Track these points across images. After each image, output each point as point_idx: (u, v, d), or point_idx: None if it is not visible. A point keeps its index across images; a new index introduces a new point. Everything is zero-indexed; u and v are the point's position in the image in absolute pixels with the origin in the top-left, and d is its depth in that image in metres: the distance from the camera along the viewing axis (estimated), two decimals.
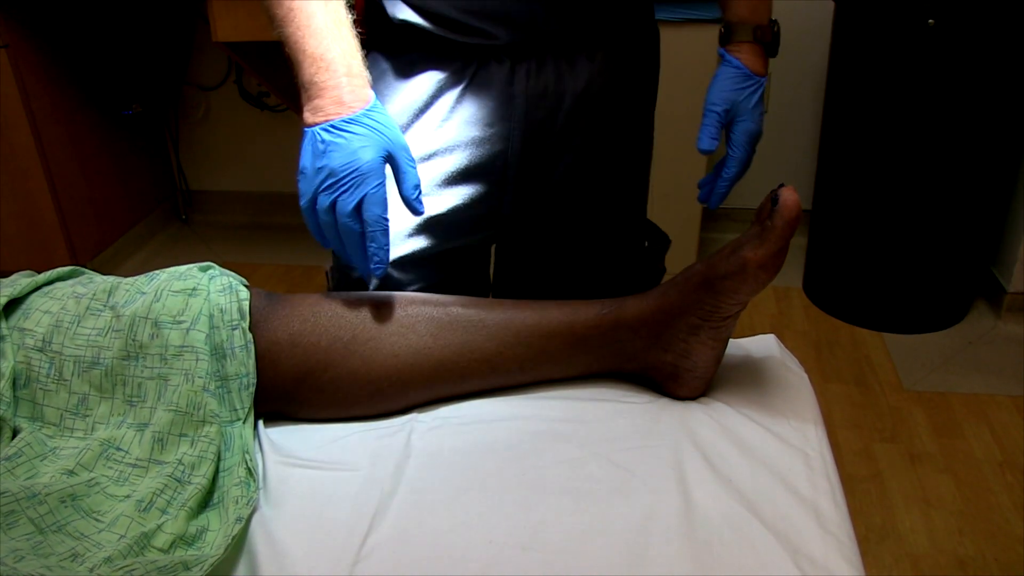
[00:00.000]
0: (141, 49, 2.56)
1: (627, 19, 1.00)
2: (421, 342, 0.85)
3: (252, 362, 0.81)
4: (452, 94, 0.96)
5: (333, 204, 0.81)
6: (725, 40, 1.02)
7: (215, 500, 0.76)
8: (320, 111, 0.81)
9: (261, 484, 0.77)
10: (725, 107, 0.98)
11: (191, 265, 0.86)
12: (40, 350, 0.81)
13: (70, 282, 0.88)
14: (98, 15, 2.45)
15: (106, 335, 0.81)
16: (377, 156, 0.81)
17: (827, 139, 2.23)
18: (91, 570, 0.65)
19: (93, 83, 2.52)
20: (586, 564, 0.69)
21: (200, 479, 0.75)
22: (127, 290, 0.84)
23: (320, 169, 0.81)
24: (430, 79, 0.96)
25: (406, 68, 0.97)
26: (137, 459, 0.76)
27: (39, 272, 0.89)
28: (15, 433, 0.79)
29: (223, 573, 0.70)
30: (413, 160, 0.84)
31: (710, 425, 0.83)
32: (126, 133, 2.69)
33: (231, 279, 0.85)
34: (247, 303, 0.83)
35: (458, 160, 0.98)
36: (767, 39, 1.00)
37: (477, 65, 0.95)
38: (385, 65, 0.98)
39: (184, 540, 0.71)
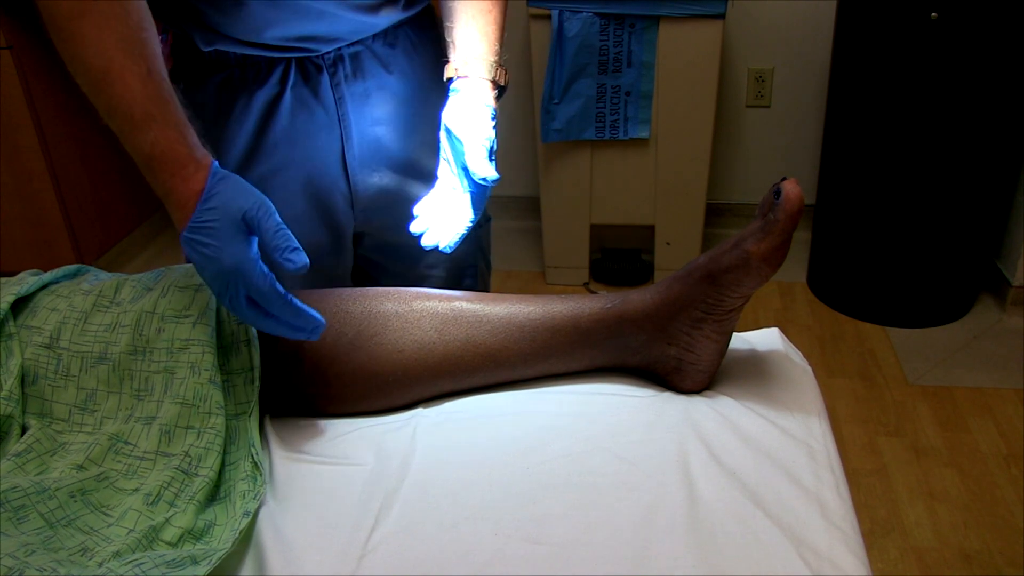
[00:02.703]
0: None
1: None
2: (426, 337, 0.86)
3: (257, 356, 0.81)
4: (277, 109, 0.98)
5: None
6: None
7: (222, 494, 0.76)
8: (177, 221, 0.77)
9: (267, 479, 0.78)
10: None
11: None
12: (48, 347, 0.81)
13: (76, 280, 0.89)
14: None
15: (113, 331, 0.81)
16: (236, 246, 0.74)
17: (830, 133, 2.23)
18: (100, 564, 0.65)
19: None
20: (591, 557, 0.69)
21: (207, 471, 0.75)
22: (133, 287, 0.84)
23: (205, 284, 0.77)
24: (250, 100, 0.97)
25: (222, 94, 0.97)
26: (145, 452, 0.77)
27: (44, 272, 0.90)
28: (24, 430, 0.79)
29: (230, 567, 0.70)
30: (270, 215, 0.76)
31: (714, 418, 0.83)
32: None
33: None
34: None
35: (301, 175, 0.99)
36: (503, 82, 0.97)
37: (296, 75, 0.97)
38: (200, 98, 0.92)
39: (192, 534, 0.71)
